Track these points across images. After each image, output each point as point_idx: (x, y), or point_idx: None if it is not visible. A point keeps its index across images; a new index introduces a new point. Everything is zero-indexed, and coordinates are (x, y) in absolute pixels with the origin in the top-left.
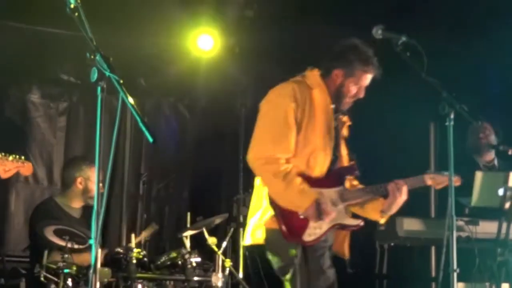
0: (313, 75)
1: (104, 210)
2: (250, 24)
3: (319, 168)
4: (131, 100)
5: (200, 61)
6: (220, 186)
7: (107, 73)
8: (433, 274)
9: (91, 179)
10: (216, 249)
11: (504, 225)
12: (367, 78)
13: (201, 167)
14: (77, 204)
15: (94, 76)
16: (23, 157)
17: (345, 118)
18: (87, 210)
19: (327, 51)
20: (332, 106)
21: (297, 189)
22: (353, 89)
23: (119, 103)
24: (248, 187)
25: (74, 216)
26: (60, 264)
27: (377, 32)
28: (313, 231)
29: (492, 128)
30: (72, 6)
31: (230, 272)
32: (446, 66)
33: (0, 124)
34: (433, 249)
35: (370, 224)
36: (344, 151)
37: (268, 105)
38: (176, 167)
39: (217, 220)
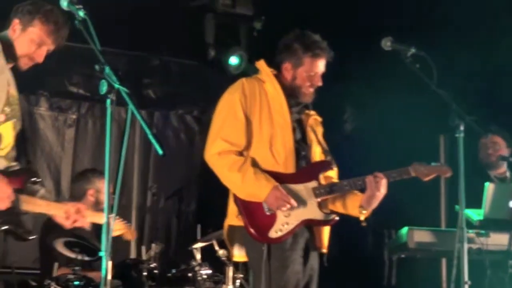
0: (261, 66)
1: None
2: (259, 36)
3: (284, 159)
4: (140, 112)
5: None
6: (229, 198)
7: (116, 85)
8: (444, 286)
9: (102, 191)
10: (226, 261)
11: None
12: (319, 65)
13: (209, 178)
14: None
15: (103, 88)
16: (130, 224)
17: (312, 112)
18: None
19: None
20: (288, 98)
21: (254, 178)
22: (306, 79)
23: (128, 115)
24: None
25: (84, 228)
26: (71, 277)
27: (386, 43)
28: (280, 227)
29: (504, 139)
30: (80, 18)
31: (241, 284)
32: (459, 76)
33: None
34: (443, 261)
35: (380, 235)
36: (316, 147)
37: (219, 104)
38: (184, 178)
39: None
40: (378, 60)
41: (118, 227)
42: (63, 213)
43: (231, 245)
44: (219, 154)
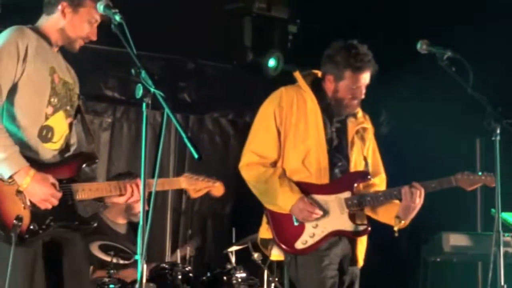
0: (297, 77)
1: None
2: (294, 38)
3: (316, 171)
4: (175, 115)
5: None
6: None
7: (152, 89)
8: None
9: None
10: (261, 264)
11: None
12: (360, 79)
13: (243, 182)
14: (121, 220)
15: (139, 92)
16: (214, 177)
17: (361, 119)
18: (132, 225)
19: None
20: (330, 108)
21: (280, 189)
22: (348, 93)
23: (164, 119)
24: None
25: (120, 232)
26: (106, 280)
27: (422, 46)
28: (306, 239)
29: None
30: (116, 22)
31: (276, 287)
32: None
33: None
34: (479, 265)
35: (415, 239)
36: (359, 156)
37: (257, 115)
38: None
39: None
40: (414, 62)
41: (201, 186)
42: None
43: (266, 249)
44: (247, 165)
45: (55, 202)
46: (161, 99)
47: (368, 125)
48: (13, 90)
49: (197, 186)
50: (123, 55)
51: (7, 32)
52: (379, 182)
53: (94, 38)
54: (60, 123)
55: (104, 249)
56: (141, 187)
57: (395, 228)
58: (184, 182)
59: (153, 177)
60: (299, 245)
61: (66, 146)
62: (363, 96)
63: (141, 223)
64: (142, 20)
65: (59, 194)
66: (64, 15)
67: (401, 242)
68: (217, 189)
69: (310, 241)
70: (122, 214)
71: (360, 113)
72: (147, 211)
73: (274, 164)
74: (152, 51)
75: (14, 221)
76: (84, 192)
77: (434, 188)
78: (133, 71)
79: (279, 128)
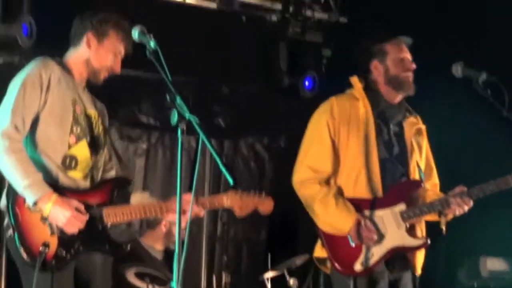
0: (354, 83)
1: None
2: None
3: (369, 184)
4: (210, 141)
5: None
6: (299, 226)
7: (187, 115)
8: None
9: (174, 222)
10: None
11: None
12: (400, 49)
13: (279, 207)
14: (159, 246)
15: (174, 118)
16: (263, 193)
17: (413, 119)
18: (168, 252)
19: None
20: (385, 111)
21: (336, 211)
22: (398, 66)
23: (199, 144)
24: None
25: (157, 258)
26: None
27: (457, 69)
28: (365, 259)
29: None
30: (151, 49)
31: None
32: None
33: None
34: None
35: (452, 263)
36: (417, 161)
37: (309, 125)
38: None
39: (298, 261)
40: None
41: (249, 202)
42: (170, 211)
43: (324, 266)
44: (302, 182)
45: (80, 225)
46: (196, 125)
47: (422, 125)
48: (36, 120)
49: (243, 203)
50: (158, 81)
51: (31, 64)
52: (432, 187)
53: (118, 70)
54: (83, 152)
55: (140, 276)
56: (177, 213)
57: (443, 226)
58: (228, 199)
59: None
60: (358, 266)
61: (101, 172)
62: (414, 66)
63: (176, 250)
64: (176, 44)
65: (83, 217)
66: (90, 46)
67: (437, 267)
68: (266, 205)
69: (370, 262)
70: (160, 240)
71: (411, 114)
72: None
73: (328, 179)
74: (187, 76)
75: (40, 247)
76: (115, 216)
77: (492, 191)
78: (168, 97)
79: (334, 140)
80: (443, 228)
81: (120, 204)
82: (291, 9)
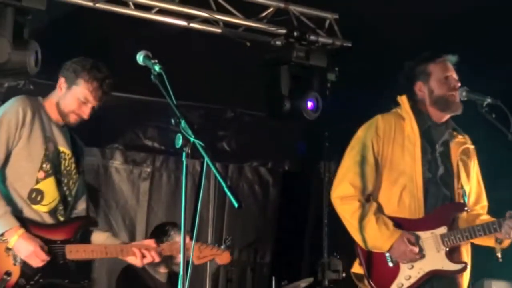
0: (402, 103)
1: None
2: (333, 86)
3: (411, 204)
4: (215, 164)
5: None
6: (303, 250)
7: (192, 139)
8: None
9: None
10: None
11: None
12: (445, 69)
13: (283, 230)
14: (163, 269)
15: (179, 142)
16: (222, 247)
17: (461, 139)
18: (173, 274)
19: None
20: (432, 132)
21: (377, 228)
22: (443, 86)
23: (204, 168)
24: (333, 251)
25: (160, 280)
26: None
27: (462, 93)
28: (402, 281)
29: None
30: (156, 73)
31: None
32: None
33: None
34: None
35: None
36: (463, 183)
37: (352, 142)
38: (259, 230)
39: (302, 284)
40: None
41: (206, 254)
42: (130, 254)
43: (361, 283)
44: (341, 199)
45: (41, 263)
46: (201, 149)
47: (471, 145)
48: (9, 155)
49: (201, 253)
50: (162, 105)
51: (10, 102)
52: (481, 210)
53: (86, 117)
54: (50, 189)
55: None
56: (181, 236)
57: (498, 254)
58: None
59: (193, 226)
60: (394, 287)
61: (69, 209)
62: (458, 84)
63: (181, 273)
64: (180, 69)
65: (45, 256)
66: (61, 89)
67: None
68: (224, 257)
69: (406, 284)
70: (163, 263)
71: (459, 133)
72: (187, 261)
73: (368, 196)
74: (191, 100)
75: (4, 276)
76: (77, 253)
77: None
78: (172, 121)
79: (377, 158)
80: (498, 255)
81: (83, 242)
82: (295, 33)
